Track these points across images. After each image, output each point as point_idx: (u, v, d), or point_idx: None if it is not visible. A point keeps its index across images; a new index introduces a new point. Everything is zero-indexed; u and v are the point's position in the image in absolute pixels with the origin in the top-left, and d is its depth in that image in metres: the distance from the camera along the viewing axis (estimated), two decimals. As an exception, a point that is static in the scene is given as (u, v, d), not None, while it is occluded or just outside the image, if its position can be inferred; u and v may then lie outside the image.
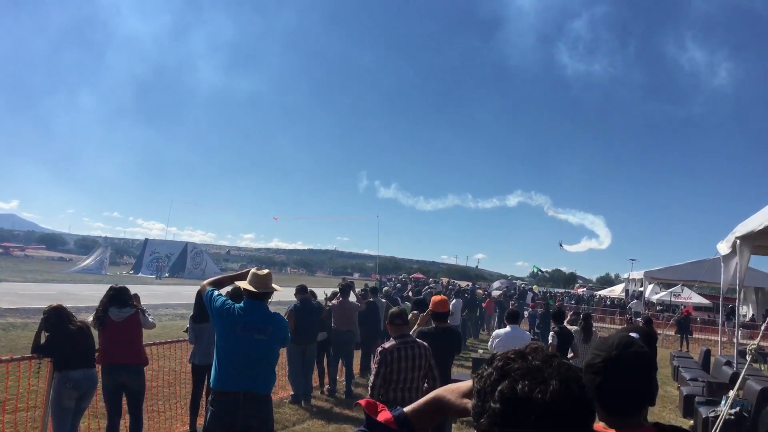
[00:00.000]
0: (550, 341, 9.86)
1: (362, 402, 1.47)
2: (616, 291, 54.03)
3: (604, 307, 44.97)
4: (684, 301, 38.58)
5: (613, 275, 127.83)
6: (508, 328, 8.91)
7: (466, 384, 1.35)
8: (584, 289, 76.19)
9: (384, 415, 1.43)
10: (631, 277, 41.45)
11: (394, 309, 6.10)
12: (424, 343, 5.83)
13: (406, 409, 1.44)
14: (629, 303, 35.97)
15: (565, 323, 12.55)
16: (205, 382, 7.79)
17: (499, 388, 1.08)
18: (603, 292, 60.08)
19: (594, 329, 11.27)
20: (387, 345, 5.63)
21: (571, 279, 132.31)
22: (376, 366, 5.54)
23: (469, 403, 1.26)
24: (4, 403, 6.55)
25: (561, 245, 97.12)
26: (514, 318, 9.14)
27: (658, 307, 40.54)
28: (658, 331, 18.30)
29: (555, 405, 1.04)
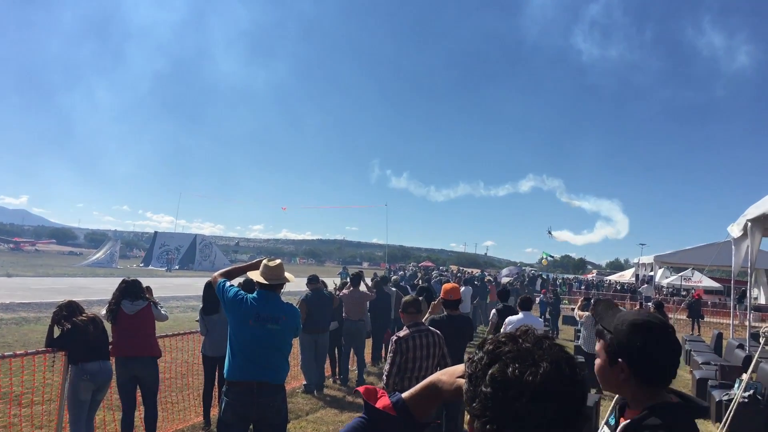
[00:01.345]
0: (490, 318, 9.86)
1: (361, 389, 1.45)
2: (626, 276, 53.88)
3: (614, 293, 44.89)
4: (695, 284, 38.42)
5: (623, 260, 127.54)
6: (520, 315, 8.87)
7: (461, 366, 1.35)
8: (594, 274, 76.04)
9: (383, 401, 1.41)
10: (641, 262, 41.32)
11: (407, 297, 6.10)
12: (437, 331, 5.84)
13: (404, 394, 1.43)
14: (640, 287, 35.88)
15: (576, 309, 12.56)
16: (217, 373, 7.85)
17: (490, 371, 1.09)
18: (613, 277, 59.92)
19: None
20: (402, 334, 5.63)
21: (580, 265, 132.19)
22: (391, 355, 5.54)
23: (462, 382, 1.27)
24: (20, 397, 6.61)
25: (550, 233, 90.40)
26: (526, 304, 9.10)
27: (664, 290, 40.40)
28: (669, 315, 18.24)
29: (546, 387, 1.05)
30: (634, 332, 1.96)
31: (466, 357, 7.90)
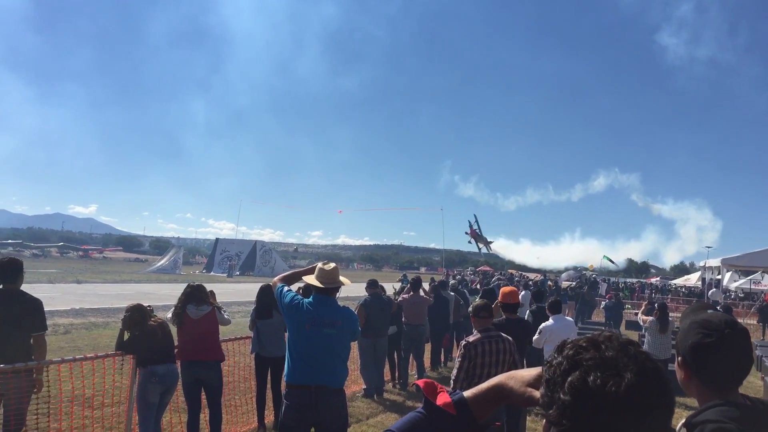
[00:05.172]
0: (526, 318, 9.62)
1: (420, 382, 1.40)
2: (692, 280, 52.28)
3: (680, 297, 43.57)
4: (764, 288, 37.00)
5: (688, 264, 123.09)
6: (551, 321, 8.65)
7: (530, 372, 1.29)
8: (658, 278, 73.95)
9: (443, 397, 1.35)
10: (707, 265, 39.94)
11: (478, 302, 6.03)
12: (509, 337, 5.75)
13: (467, 393, 1.36)
14: (708, 292, 34.70)
15: (640, 313, 12.19)
16: (269, 376, 7.98)
17: (570, 379, 1.03)
18: (678, 281, 58.21)
19: (671, 319, 10.94)
20: (471, 339, 5.59)
21: (643, 268, 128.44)
22: (459, 360, 5.51)
23: (533, 393, 1.23)
24: (92, 399, 6.83)
25: (475, 233, 76.98)
26: (555, 308, 8.86)
27: (732, 293, 39.01)
28: (739, 320, 17.62)
29: (631, 399, 0.98)
30: (691, 330, 1.95)
31: (525, 361, 7.78)
